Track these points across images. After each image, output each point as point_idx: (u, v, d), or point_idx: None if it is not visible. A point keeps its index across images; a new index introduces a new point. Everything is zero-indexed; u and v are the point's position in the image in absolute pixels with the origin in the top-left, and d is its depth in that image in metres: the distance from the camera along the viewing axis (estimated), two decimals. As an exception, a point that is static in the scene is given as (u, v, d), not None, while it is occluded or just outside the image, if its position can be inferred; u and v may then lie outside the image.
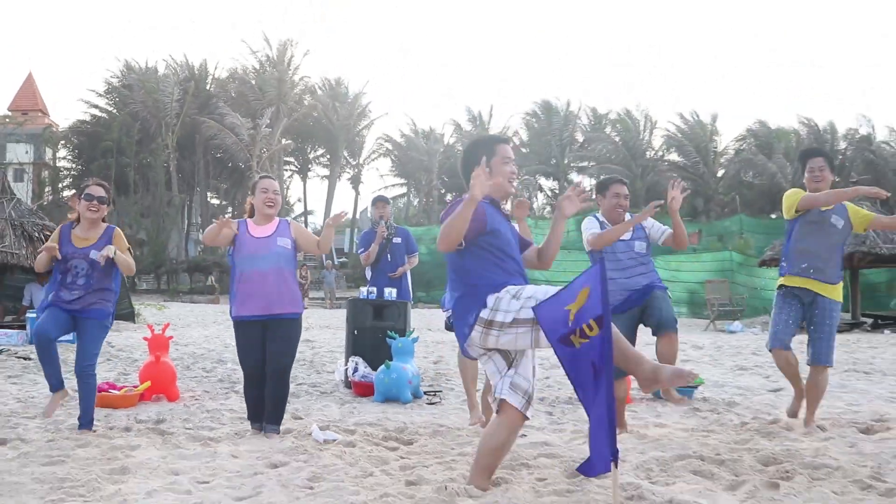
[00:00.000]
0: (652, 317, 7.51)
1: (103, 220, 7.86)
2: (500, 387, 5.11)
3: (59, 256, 7.51)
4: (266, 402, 7.44)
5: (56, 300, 7.57)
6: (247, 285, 7.36)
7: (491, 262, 5.20)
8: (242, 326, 7.48)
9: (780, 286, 7.79)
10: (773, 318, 7.81)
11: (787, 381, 8.20)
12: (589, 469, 4.75)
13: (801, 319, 7.66)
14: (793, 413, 7.95)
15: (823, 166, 7.62)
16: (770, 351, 7.79)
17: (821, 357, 7.55)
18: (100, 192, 7.76)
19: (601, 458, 4.59)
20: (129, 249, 7.81)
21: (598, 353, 4.53)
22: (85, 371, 7.59)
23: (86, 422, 7.56)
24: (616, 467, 4.54)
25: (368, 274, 11.25)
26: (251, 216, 7.64)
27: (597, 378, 4.54)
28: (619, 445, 6.62)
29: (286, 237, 7.46)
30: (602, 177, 7.76)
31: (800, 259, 7.62)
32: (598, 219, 7.71)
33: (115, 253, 7.49)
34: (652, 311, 7.51)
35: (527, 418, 5.12)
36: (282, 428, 7.57)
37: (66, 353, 10.44)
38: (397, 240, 11.13)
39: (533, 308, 4.80)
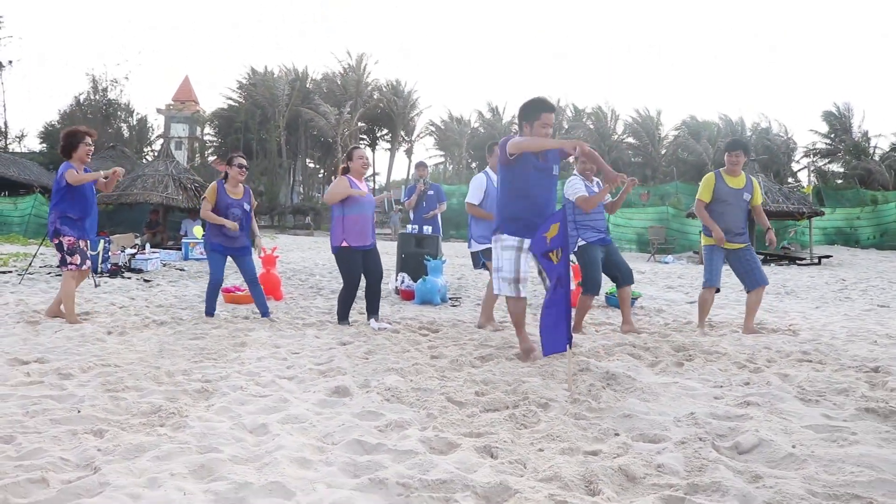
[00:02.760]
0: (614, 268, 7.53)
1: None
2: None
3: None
4: (369, 300, 7.59)
5: (217, 241, 7.81)
6: (358, 225, 7.33)
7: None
8: (354, 253, 7.43)
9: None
10: (707, 266, 7.61)
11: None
12: (546, 349, 4.84)
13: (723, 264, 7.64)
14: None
15: (739, 153, 7.49)
16: (705, 288, 7.60)
17: (761, 279, 7.53)
18: (245, 161, 8.05)
19: (560, 342, 4.69)
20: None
21: (562, 271, 4.63)
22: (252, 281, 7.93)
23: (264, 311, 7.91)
24: (570, 348, 4.63)
25: (411, 215, 11.30)
26: (344, 172, 7.51)
27: (560, 286, 4.64)
28: (577, 336, 6.74)
29: (370, 192, 7.53)
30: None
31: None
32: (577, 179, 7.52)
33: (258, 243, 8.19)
34: (615, 264, 7.53)
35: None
36: (352, 320, 7.71)
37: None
38: (431, 192, 11.11)
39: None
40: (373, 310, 7.55)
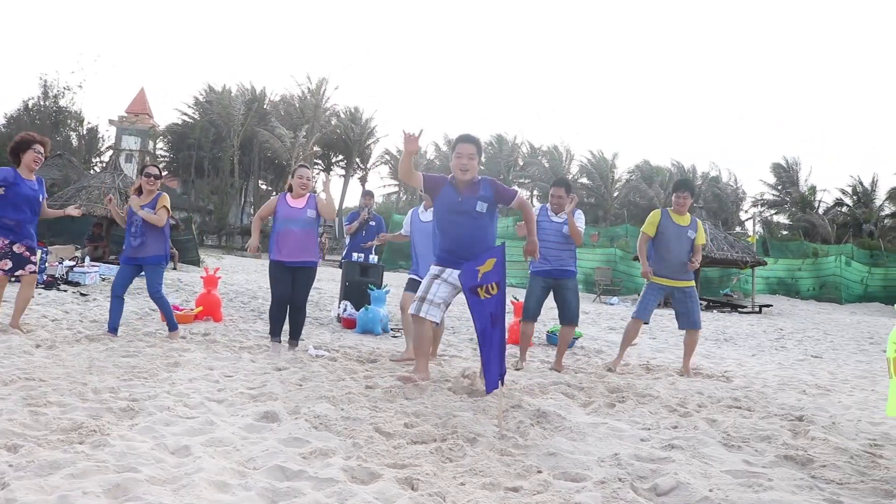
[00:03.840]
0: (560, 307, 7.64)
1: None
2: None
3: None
4: (290, 322, 7.55)
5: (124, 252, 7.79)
6: (280, 239, 7.33)
7: None
8: (276, 267, 7.45)
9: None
10: (641, 298, 7.85)
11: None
12: (489, 387, 4.89)
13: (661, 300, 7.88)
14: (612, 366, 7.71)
15: (686, 195, 7.76)
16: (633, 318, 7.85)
17: (696, 323, 7.73)
18: (155, 171, 7.96)
19: (493, 380, 4.73)
20: (165, 207, 7.80)
21: (495, 307, 4.68)
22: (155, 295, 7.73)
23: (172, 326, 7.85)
24: (503, 385, 4.68)
25: (347, 240, 11.28)
26: (290, 191, 7.56)
27: (493, 324, 4.69)
28: (513, 373, 6.80)
29: (313, 209, 7.42)
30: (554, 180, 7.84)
31: (662, 263, 7.74)
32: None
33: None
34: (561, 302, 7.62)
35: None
36: (295, 350, 7.67)
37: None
38: (372, 223, 11.09)
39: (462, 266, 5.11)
40: (294, 333, 7.53)
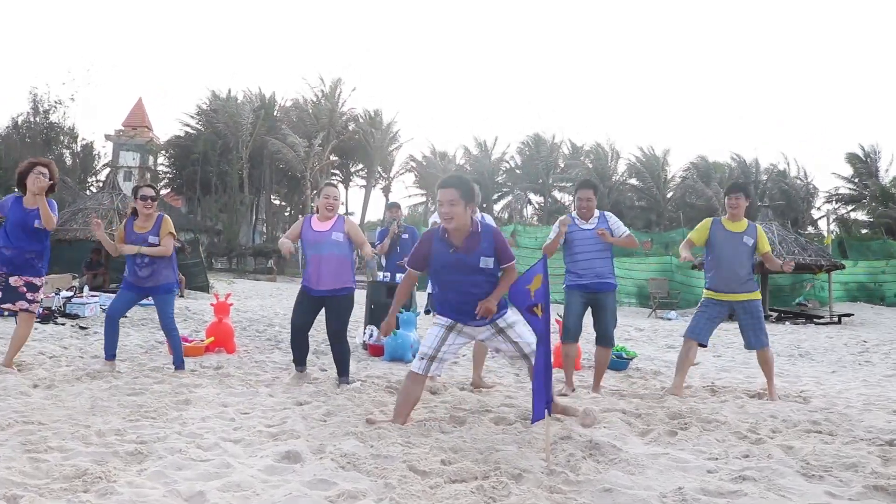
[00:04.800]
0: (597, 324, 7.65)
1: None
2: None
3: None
4: (334, 358, 7.54)
5: (129, 279, 7.92)
6: (310, 266, 7.39)
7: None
8: (302, 294, 7.51)
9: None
10: (695, 315, 7.77)
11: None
12: (535, 417, 4.89)
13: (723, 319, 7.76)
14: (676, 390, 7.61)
15: (740, 196, 7.69)
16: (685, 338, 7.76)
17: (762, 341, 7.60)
18: (151, 192, 8.03)
19: (539, 409, 4.72)
20: (170, 233, 7.90)
21: (543, 330, 4.69)
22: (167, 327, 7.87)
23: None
24: (550, 414, 4.67)
25: (383, 261, 11.36)
26: (317, 212, 7.60)
27: (539, 344, 4.70)
28: (562, 399, 6.78)
29: (340, 232, 7.41)
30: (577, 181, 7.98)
31: (716, 275, 7.67)
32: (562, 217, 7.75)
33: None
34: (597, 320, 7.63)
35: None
36: (311, 378, 7.71)
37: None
38: (405, 236, 11.17)
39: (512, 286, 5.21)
40: (340, 370, 7.52)
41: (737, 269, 7.58)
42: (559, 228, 7.51)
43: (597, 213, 7.70)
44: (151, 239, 7.81)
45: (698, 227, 7.84)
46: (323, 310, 7.50)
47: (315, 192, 60.42)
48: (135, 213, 7.99)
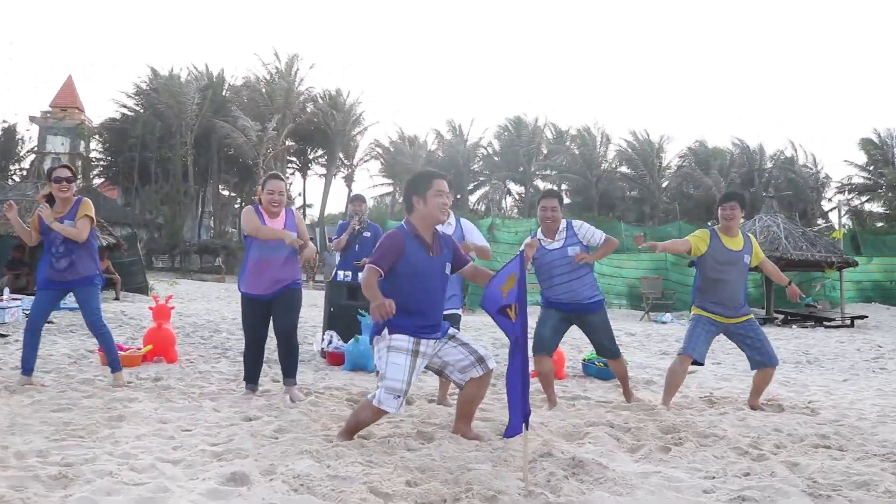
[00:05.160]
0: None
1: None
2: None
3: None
4: (280, 358, 7.54)
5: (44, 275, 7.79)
6: (259, 268, 7.32)
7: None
8: (248, 302, 7.51)
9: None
10: (689, 332, 7.63)
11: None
12: (509, 431, 4.88)
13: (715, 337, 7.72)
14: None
15: (735, 206, 7.60)
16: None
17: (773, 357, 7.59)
18: (67, 173, 7.81)
19: (516, 422, 4.72)
20: (87, 216, 7.69)
21: (520, 333, 4.69)
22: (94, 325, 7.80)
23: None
24: (527, 428, 4.66)
25: (337, 258, 11.29)
26: (260, 202, 7.54)
27: (513, 352, 4.70)
28: (543, 412, 6.80)
29: (292, 230, 7.40)
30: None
31: (713, 296, 7.57)
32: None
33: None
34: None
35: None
36: (261, 390, 7.69)
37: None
38: (367, 234, 11.07)
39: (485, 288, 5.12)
40: (287, 371, 7.49)
41: (737, 294, 7.54)
42: (526, 252, 7.39)
43: (563, 223, 7.60)
44: (68, 224, 7.60)
45: (697, 236, 7.63)
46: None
47: (261, 178, 58.90)
48: (51, 198, 7.78)
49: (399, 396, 5.32)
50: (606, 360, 7.79)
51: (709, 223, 7.92)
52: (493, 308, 4.93)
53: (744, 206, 7.74)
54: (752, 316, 7.66)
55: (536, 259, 7.49)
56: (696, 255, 7.64)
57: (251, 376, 7.62)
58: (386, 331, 5.44)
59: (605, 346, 7.59)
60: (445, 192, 5.58)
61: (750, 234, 7.94)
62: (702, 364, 7.69)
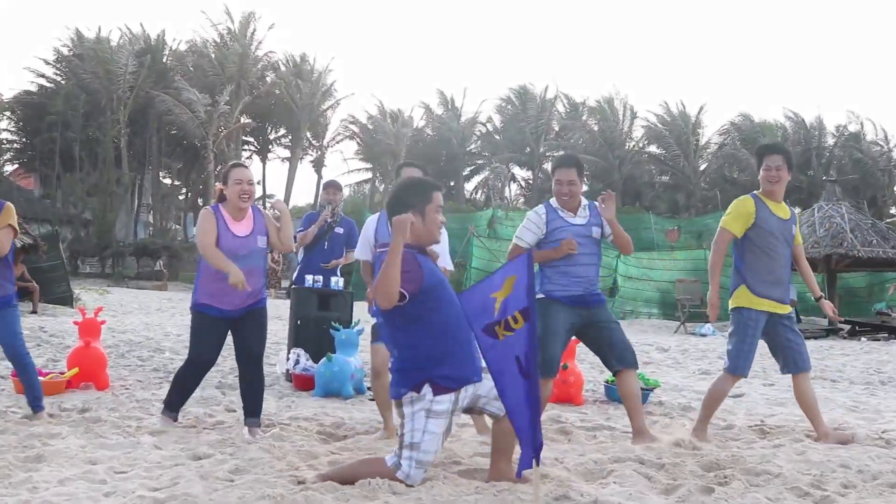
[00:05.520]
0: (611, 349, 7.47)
1: None
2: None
3: None
4: (245, 393, 7.49)
5: None
6: (222, 284, 7.18)
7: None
8: (207, 319, 7.41)
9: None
10: (738, 340, 7.53)
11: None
12: (518, 468, 4.85)
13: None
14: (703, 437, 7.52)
15: (781, 165, 7.51)
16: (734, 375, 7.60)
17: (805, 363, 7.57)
18: None
19: (526, 457, 4.69)
20: (10, 226, 7.56)
21: (524, 347, 4.63)
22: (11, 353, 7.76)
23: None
24: (538, 465, 4.64)
25: (300, 256, 11.20)
26: (221, 201, 7.43)
27: (522, 373, 4.64)
28: (557, 446, 6.80)
29: (263, 235, 7.40)
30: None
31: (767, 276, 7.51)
32: (541, 211, 7.60)
33: None
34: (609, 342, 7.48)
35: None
36: (212, 420, 7.67)
37: None
38: (339, 230, 11.02)
39: (459, 295, 5.00)
40: (251, 409, 7.44)
41: (785, 271, 7.58)
42: (562, 248, 7.34)
43: (584, 201, 7.60)
44: None
45: (737, 210, 7.54)
46: (230, 331, 7.48)
47: (219, 169, 58.73)
48: None
49: (421, 467, 5.29)
50: (621, 370, 7.40)
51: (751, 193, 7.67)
52: (479, 323, 4.78)
53: (791, 166, 7.68)
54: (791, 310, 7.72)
55: (556, 232, 7.40)
56: (740, 235, 7.53)
57: (177, 403, 7.56)
58: (428, 388, 5.29)
59: (630, 348, 7.48)
60: (442, 206, 5.61)
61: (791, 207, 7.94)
62: (745, 376, 7.72)
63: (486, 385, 5.43)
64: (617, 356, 7.41)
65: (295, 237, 10.92)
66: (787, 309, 7.58)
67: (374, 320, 7.33)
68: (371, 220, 7.83)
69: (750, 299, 7.48)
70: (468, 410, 5.68)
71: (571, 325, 7.45)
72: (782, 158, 7.58)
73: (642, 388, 9.77)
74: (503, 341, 4.66)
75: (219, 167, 57.12)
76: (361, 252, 7.82)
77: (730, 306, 7.59)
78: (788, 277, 7.63)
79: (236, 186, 7.27)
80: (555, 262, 7.41)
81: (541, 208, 7.59)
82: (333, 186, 11.38)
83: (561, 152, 66.39)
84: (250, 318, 7.40)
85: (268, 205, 12.61)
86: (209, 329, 7.37)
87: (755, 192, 7.67)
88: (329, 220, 10.87)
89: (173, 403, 7.55)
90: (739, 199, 7.70)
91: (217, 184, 7.66)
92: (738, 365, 7.48)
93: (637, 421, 7.36)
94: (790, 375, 7.69)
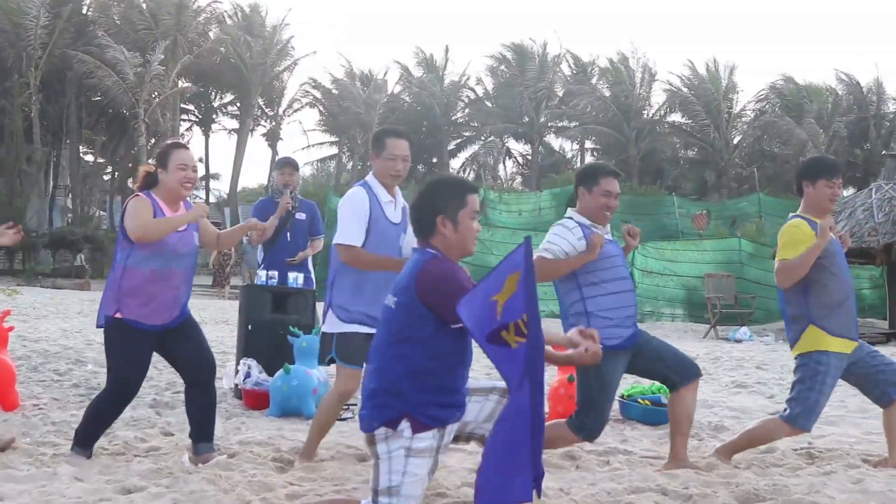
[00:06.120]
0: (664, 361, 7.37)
1: None
2: None
3: None
4: (194, 413, 7.43)
5: None
6: (157, 284, 7.16)
7: None
8: (138, 335, 7.24)
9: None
10: (810, 388, 7.36)
11: None
12: (487, 498, 4.75)
13: None
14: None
15: (840, 184, 7.61)
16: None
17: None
18: None
19: (520, 485, 4.65)
20: None
21: (529, 355, 4.60)
22: None
23: None
24: (539, 496, 4.62)
25: (260, 255, 11.21)
26: (146, 185, 7.35)
27: (522, 385, 4.61)
28: (564, 474, 6.81)
29: (197, 231, 7.40)
30: (589, 163, 7.64)
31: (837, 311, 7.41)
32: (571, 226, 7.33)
33: None
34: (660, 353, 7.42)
35: None
36: (145, 446, 7.64)
37: None
38: (301, 216, 11.05)
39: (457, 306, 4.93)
40: (204, 433, 7.42)
41: (853, 297, 7.58)
42: (593, 242, 7.22)
43: None
44: None
45: (792, 236, 7.38)
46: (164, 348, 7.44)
47: (152, 144, 59.16)
48: None
49: None
50: (682, 387, 7.29)
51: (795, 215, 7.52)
52: (481, 332, 4.72)
53: (844, 179, 7.69)
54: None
55: (604, 259, 7.22)
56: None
57: (91, 439, 7.39)
58: (406, 424, 5.16)
59: (677, 355, 7.41)
60: (478, 212, 5.55)
61: None
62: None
63: (473, 409, 5.42)
64: (674, 369, 7.31)
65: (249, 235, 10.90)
66: (855, 344, 7.50)
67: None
68: (360, 196, 7.43)
69: (822, 340, 7.34)
70: (455, 439, 5.64)
71: (621, 373, 7.38)
72: (840, 176, 7.65)
73: (658, 405, 9.81)
74: (516, 350, 4.61)
75: (151, 140, 57.16)
76: (350, 234, 7.33)
77: (794, 354, 7.51)
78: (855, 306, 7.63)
79: (180, 172, 7.19)
80: (597, 297, 7.19)
81: (569, 223, 7.36)
82: (290, 166, 11.35)
83: (565, 122, 66.72)
84: (185, 326, 7.38)
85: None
86: (137, 346, 7.22)
87: (798, 213, 7.58)
88: (288, 206, 10.82)
89: (87, 439, 7.36)
90: (791, 224, 7.55)
91: (145, 165, 7.57)
92: (808, 412, 7.31)
93: (679, 447, 7.36)
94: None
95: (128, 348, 7.21)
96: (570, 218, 7.37)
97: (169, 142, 7.76)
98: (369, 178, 7.56)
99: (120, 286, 7.17)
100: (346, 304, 7.31)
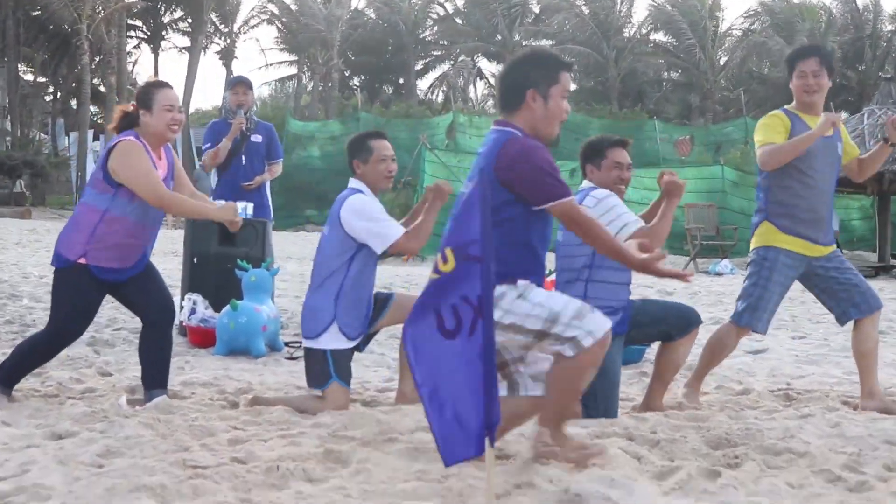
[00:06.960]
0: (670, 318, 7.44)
1: None
2: None
3: None
4: (150, 358, 7.44)
5: None
6: (132, 234, 7.15)
7: None
8: (97, 283, 7.25)
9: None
10: (754, 284, 7.61)
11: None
12: (459, 451, 4.73)
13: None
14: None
15: (819, 71, 7.47)
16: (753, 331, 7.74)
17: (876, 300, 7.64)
18: None
19: (475, 433, 4.61)
20: None
21: (480, 291, 4.53)
22: None
23: None
24: (493, 446, 4.58)
25: (213, 180, 11.16)
26: (124, 127, 7.21)
27: (474, 320, 4.51)
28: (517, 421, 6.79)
29: (172, 179, 7.35)
30: (590, 138, 7.46)
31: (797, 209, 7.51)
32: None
33: None
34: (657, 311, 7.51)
35: None
36: (80, 387, 7.63)
37: None
38: (257, 137, 11.00)
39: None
40: (158, 379, 7.41)
41: (830, 207, 7.63)
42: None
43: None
44: None
45: (769, 124, 7.55)
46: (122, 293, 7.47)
47: (96, 63, 58.95)
48: None
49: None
50: (674, 339, 7.35)
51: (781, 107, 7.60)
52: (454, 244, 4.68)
53: (831, 70, 7.66)
54: (835, 247, 7.79)
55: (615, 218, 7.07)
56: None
57: (15, 379, 7.36)
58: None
59: (685, 312, 7.50)
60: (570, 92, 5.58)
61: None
62: (762, 332, 7.78)
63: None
64: (676, 326, 7.38)
65: (202, 159, 10.85)
66: (827, 250, 7.59)
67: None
68: (371, 199, 7.36)
69: (773, 236, 7.52)
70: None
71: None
72: (819, 62, 7.52)
73: (634, 345, 9.80)
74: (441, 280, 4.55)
75: (95, 59, 56.74)
76: (396, 228, 7.29)
77: (752, 244, 7.70)
78: (831, 213, 7.64)
79: (166, 114, 7.12)
80: (601, 280, 7.11)
81: (779, 112, 7.53)
82: (243, 84, 11.31)
83: (541, 41, 66.51)
84: (144, 278, 7.38)
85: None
86: (94, 293, 7.25)
87: (786, 106, 7.66)
88: (241, 126, 10.77)
89: (11, 378, 7.32)
90: (768, 115, 7.66)
91: (122, 105, 7.49)
92: (753, 311, 7.52)
93: (655, 393, 7.48)
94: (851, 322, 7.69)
95: (83, 294, 7.20)
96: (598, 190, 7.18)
97: (150, 80, 7.80)
98: (360, 186, 7.39)
99: (94, 232, 7.07)
100: (352, 321, 7.34)
